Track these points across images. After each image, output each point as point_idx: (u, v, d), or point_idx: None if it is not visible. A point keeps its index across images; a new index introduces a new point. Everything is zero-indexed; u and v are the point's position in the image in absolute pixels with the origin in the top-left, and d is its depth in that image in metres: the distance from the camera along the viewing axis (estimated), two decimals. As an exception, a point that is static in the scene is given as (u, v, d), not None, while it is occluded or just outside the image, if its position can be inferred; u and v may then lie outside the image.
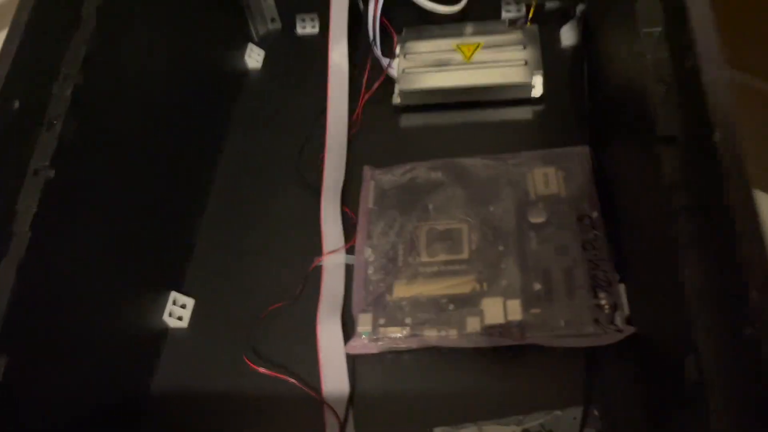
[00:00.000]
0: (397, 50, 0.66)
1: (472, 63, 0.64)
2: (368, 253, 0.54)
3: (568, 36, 0.67)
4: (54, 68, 0.44)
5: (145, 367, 0.51)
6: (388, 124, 0.65)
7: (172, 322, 0.53)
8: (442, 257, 0.52)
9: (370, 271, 0.53)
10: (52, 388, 0.39)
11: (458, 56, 0.64)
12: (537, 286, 0.49)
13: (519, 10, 0.69)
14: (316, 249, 0.56)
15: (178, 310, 0.54)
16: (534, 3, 0.67)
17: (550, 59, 0.62)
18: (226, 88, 0.68)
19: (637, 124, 0.43)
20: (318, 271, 0.55)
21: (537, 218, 0.53)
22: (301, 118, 0.66)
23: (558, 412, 0.44)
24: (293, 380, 0.49)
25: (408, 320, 0.49)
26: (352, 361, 0.50)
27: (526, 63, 0.62)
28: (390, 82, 0.65)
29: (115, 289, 0.48)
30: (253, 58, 0.72)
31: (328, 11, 0.66)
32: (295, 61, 0.72)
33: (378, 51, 0.64)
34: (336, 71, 0.64)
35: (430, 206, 0.56)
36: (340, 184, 0.59)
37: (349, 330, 0.51)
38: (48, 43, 0.44)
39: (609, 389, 0.46)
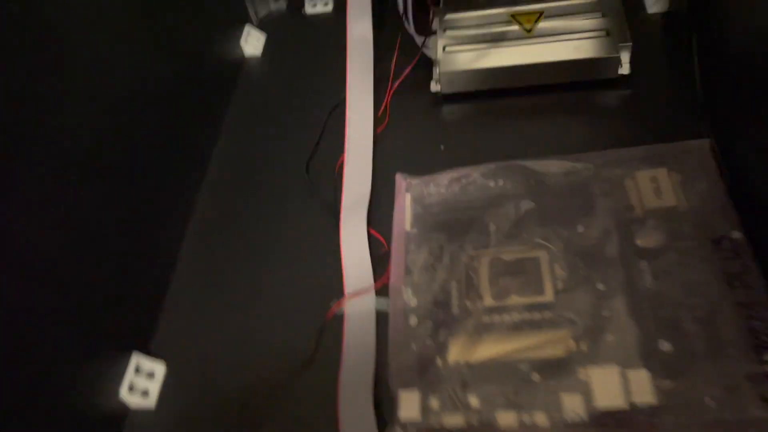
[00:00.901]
0: (435, 24, 0.51)
1: (535, 35, 0.48)
2: (408, 295, 0.38)
3: (654, 2, 0.51)
4: None
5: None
6: (425, 118, 0.49)
7: (133, 400, 0.38)
8: (515, 300, 0.37)
9: (413, 321, 0.37)
10: None
11: (515, 28, 0.49)
12: (664, 345, 0.33)
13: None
14: (335, 289, 0.41)
15: (142, 382, 0.38)
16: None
17: (634, 29, 0.46)
18: (216, 80, 0.53)
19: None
20: (338, 322, 0.39)
21: (650, 241, 0.37)
22: (311, 115, 0.51)
23: None
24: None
25: (474, 400, 0.33)
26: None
27: (608, 33, 0.47)
28: (427, 65, 0.50)
29: (44, 348, 0.32)
30: (252, 43, 0.57)
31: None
32: (304, 46, 0.57)
33: (411, 25, 0.49)
34: (358, 51, 0.49)
35: (492, 227, 0.40)
36: (366, 200, 0.43)
37: (384, 412, 0.35)
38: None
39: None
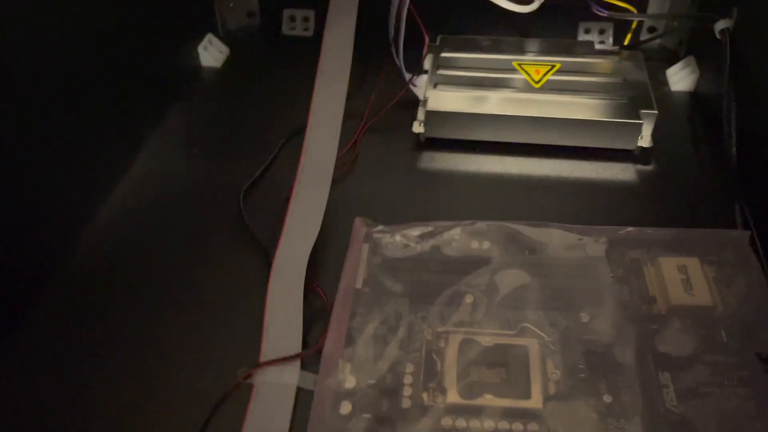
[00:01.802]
0: (427, 63, 0.43)
1: (543, 89, 0.41)
2: (345, 373, 0.28)
3: (679, 79, 0.45)
4: None
5: None
6: (401, 162, 0.41)
7: None
8: (490, 401, 0.26)
9: (345, 410, 0.27)
10: None
11: (520, 77, 0.42)
12: (696, 496, 0.23)
13: (602, 35, 0.47)
14: (251, 353, 0.30)
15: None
16: (635, 23, 0.45)
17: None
18: (155, 84, 0.44)
19: None
20: (243, 394, 0.28)
21: (675, 348, 0.28)
22: (263, 140, 0.42)
23: None
24: None
25: None
26: None
27: (630, 98, 0.39)
28: (410, 104, 0.42)
29: None
30: (212, 53, 0.49)
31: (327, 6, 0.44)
32: (272, 66, 0.49)
33: (400, 58, 0.41)
34: (330, 72, 0.41)
35: (468, 299, 0.30)
36: (310, 244, 0.33)
37: None
38: None
39: None
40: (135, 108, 0.41)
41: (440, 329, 0.29)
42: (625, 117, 0.38)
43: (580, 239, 0.33)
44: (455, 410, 0.26)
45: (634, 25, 0.45)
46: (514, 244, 0.33)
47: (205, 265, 0.35)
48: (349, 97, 0.41)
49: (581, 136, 0.39)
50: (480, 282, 0.31)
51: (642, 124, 0.38)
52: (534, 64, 0.42)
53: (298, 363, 0.29)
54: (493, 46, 0.45)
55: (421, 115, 0.41)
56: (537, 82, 0.41)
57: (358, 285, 0.31)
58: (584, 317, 0.29)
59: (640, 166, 0.39)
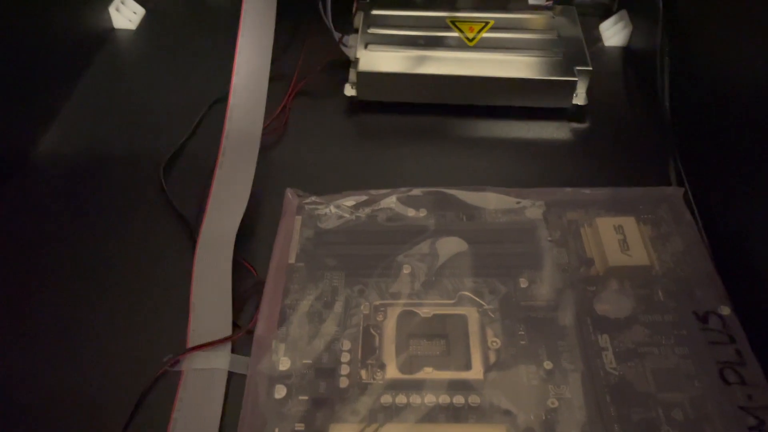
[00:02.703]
0: (358, 21, 0.41)
1: (478, 47, 0.39)
2: (278, 355, 0.26)
3: (613, 33, 0.44)
4: None
5: None
6: (333, 127, 0.39)
7: None
8: (431, 374, 0.26)
9: (280, 393, 0.25)
10: None
11: (454, 36, 0.40)
12: (637, 457, 0.23)
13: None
14: (177, 337, 0.28)
15: None
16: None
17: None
18: (62, 49, 0.40)
19: None
20: (171, 380, 0.27)
21: (613, 309, 0.28)
22: (184, 108, 0.39)
23: None
24: None
25: None
26: None
27: (564, 55, 0.39)
28: (342, 65, 0.40)
29: None
30: (125, 14, 0.45)
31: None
32: (192, 28, 0.46)
33: (328, 16, 0.39)
34: (251, 32, 0.38)
35: (406, 269, 0.29)
36: (238, 218, 0.32)
37: None
38: None
39: None
40: (40, 79, 0.38)
41: (378, 302, 0.28)
42: (559, 75, 0.37)
43: (518, 203, 0.32)
44: (395, 386, 0.25)
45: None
46: (451, 211, 0.32)
47: (126, 246, 0.32)
48: (276, 59, 0.38)
49: (516, 95, 0.38)
50: (417, 251, 0.30)
51: (577, 81, 0.37)
52: (468, 21, 0.41)
53: (228, 346, 0.28)
54: (425, 2, 0.43)
55: (352, 76, 0.39)
56: (471, 40, 0.40)
57: (291, 260, 0.30)
58: (523, 282, 0.29)
59: (575, 125, 0.38)
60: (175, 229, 0.33)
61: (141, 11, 0.46)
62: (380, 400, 0.25)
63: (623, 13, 0.44)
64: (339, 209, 0.32)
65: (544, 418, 0.24)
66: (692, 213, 0.31)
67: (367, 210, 0.32)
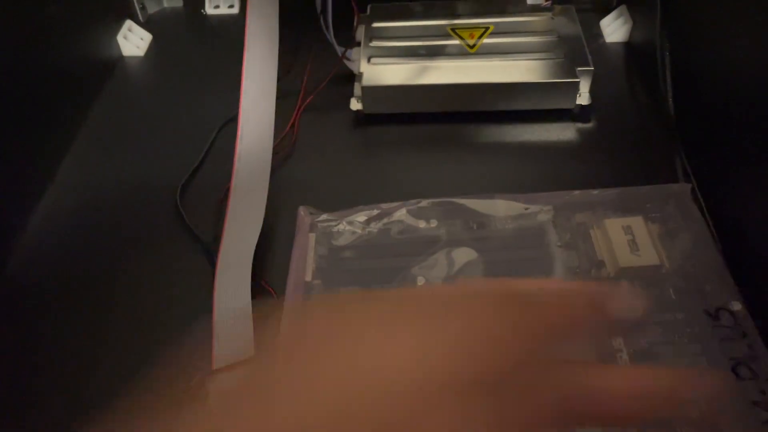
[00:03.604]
0: (360, 34, 0.42)
1: (479, 53, 0.40)
2: (300, 373, 0.27)
3: (613, 30, 0.44)
4: None
5: None
6: (341, 141, 0.40)
7: None
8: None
9: (303, 412, 0.26)
10: None
11: (455, 43, 0.41)
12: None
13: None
14: (202, 359, 0.29)
15: None
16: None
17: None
18: (75, 80, 0.41)
19: None
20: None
21: (626, 312, 0.28)
22: (195, 131, 0.40)
23: None
24: None
25: None
26: None
27: (565, 56, 0.39)
28: (346, 77, 0.40)
29: None
30: (132, 41, 0.46)
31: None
32: (198, 50, 0.47)
33: (330, 32, 0.40)
34: (258, 51, 0.39)
35: (420, 281, 0.30)
36: (254, 240, 0.32)
37: None
38: None
39: None
40: (54, 110, 0.39)
41: (394, 316, 0.29)
42: (562, 77, 0.38)
43: (526, 208, 0.32)
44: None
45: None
46: (461, 220, 0.32)
47: (147, 270, 0.33)
48: (281, 77, 0.39)
49: (520, 99, 0.39)
50: (430, 263, 0.31)
51: (579, 82, 0.38)
52: (468, 27, 0.41)
53: (252, 366, 0.28)
54: (425, 11, 0.43)
55: (357, 91, 0.39)
56: (472, 47, 0.40)
57: (308, 278, 0.31)
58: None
59: (580, 125, 0.39)
60: (195, 253, 0.34)
61: (148, 37, 0.47)
62: None
63: (623, 8, 0.44)
64: (351, 225, 0.33)
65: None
66: (700, 209, 0.32)
67: (379, 224, 0.32)
